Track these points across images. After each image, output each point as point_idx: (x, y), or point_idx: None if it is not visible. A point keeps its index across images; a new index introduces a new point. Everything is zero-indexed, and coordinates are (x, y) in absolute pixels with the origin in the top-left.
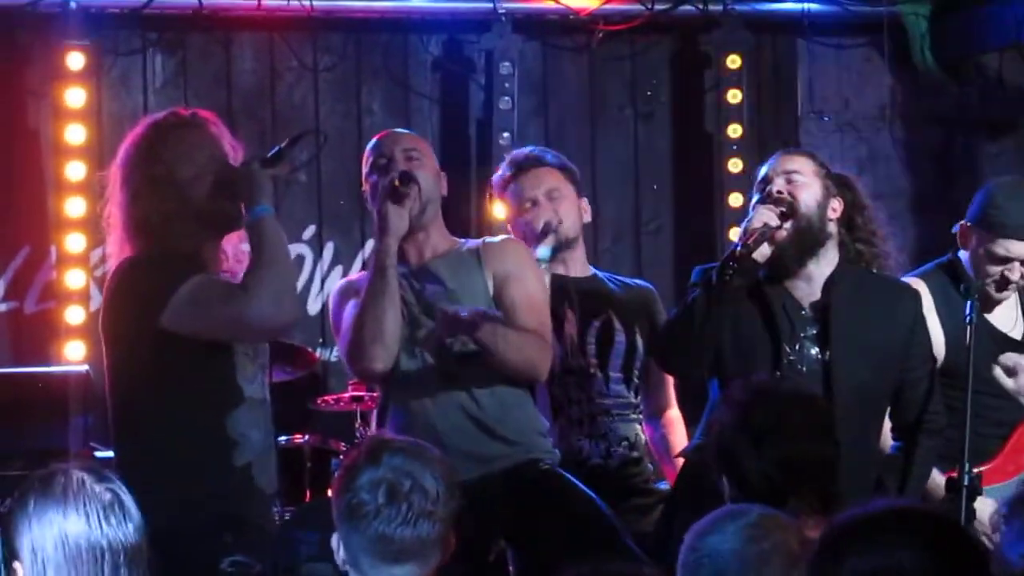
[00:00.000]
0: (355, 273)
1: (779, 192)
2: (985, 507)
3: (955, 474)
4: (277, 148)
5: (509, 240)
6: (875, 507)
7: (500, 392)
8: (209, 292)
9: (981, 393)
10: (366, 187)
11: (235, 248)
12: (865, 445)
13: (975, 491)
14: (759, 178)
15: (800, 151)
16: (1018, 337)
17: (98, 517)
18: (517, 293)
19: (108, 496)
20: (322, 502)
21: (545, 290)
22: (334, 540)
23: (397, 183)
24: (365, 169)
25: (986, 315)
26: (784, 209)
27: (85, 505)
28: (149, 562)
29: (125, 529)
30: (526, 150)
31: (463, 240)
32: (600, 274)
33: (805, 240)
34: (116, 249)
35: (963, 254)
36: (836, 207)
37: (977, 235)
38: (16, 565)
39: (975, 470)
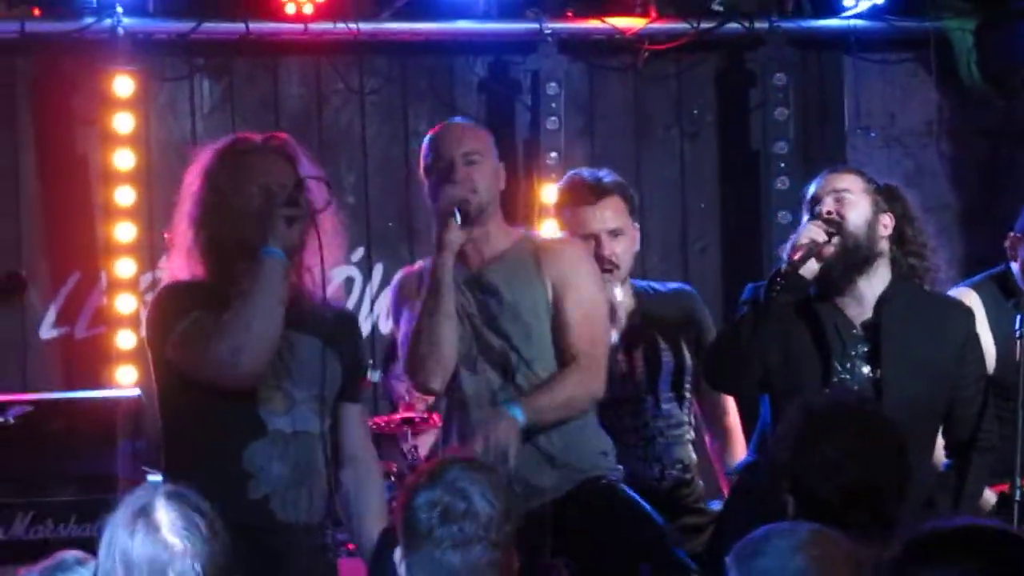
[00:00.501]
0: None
1: (828, 212)
2: None
3: (1006, 488)
4: (289, 192)
5: (568, 244)
6: (946, 524)
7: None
8: (193, 330)
9: None
10: (425, 180)
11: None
12: (917, 463)
13: None
14: (807, 197)
15: (848, 168)
16: None
17: (163, 542)
18: (573, 307)
19: (177, 520)
20: None
21: (603, 297)
22: (396, 555)
23: (458, 211)
24: (423, 162)
25: None
26: (832, 229)
27: (151, 529)
28: None
29: (187, 553)
30: (589, 175)
31: (522, 232)
32: (638, 284)
33: (853, 258)
34: (171, 272)
35: (1015, 266)
36: (887, 223)
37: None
38: None
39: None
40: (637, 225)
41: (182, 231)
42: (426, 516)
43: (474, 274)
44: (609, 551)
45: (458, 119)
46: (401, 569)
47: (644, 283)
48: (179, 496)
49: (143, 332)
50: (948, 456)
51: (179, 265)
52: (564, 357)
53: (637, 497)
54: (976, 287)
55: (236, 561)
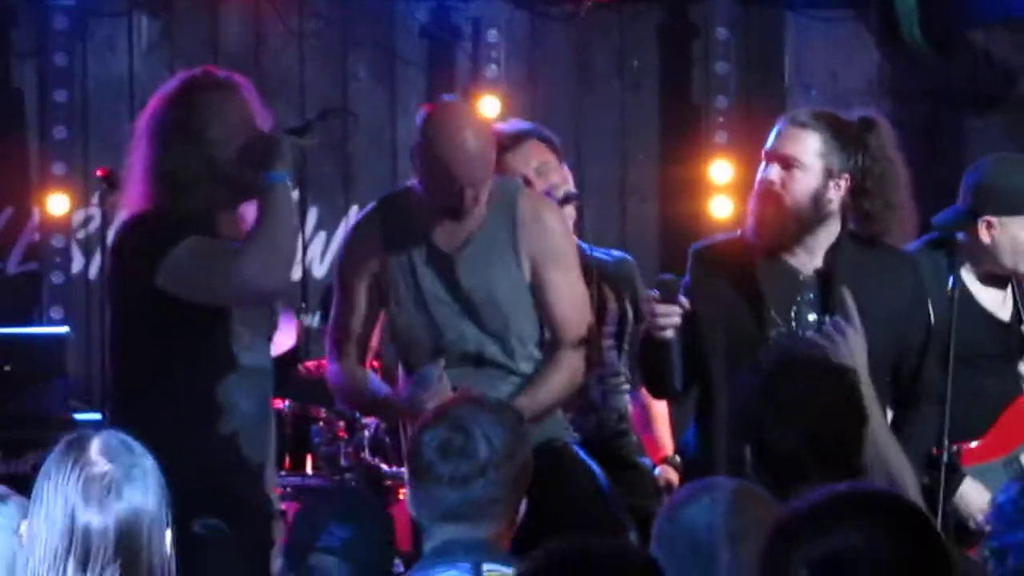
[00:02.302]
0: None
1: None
2: (971, 488)
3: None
4: (307, 120)
5: (548, 213)
6: (823, 492)
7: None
8: (202, 254)
9: (971, 370)
10: (415, 156)
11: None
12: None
13: (954, 468)
14: (767, 143)
15: (806, 122)
16: (1006, 319)
17: (92, 462)
18: (557, 289)
19: (103, 466)
20: (358, 495)
21: (575, 261)
22: (406, 492)
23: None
24: (418, 142)
25: (976, 296)
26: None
27: (73, 476)
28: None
29: (108, 511)
30: (506, 126)
31: (498, 189)
32: (581, 244)
33: (794, 227)
34: (132, 202)
35: (962, 236)
36: (840, 184)
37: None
38: (23, 525)
39: (962, 446)
40: (566, 168)
41: (143, 161)
42: (428, 452)
43: (447, 257)
44: (550, 515)
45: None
46: (409, 506)
47: (586, 246)
48: (116, 435)
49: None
50: (895, 407)
51: (139, 195)
52: (551, 340)
53: (587, 460)
54: (917, 252)
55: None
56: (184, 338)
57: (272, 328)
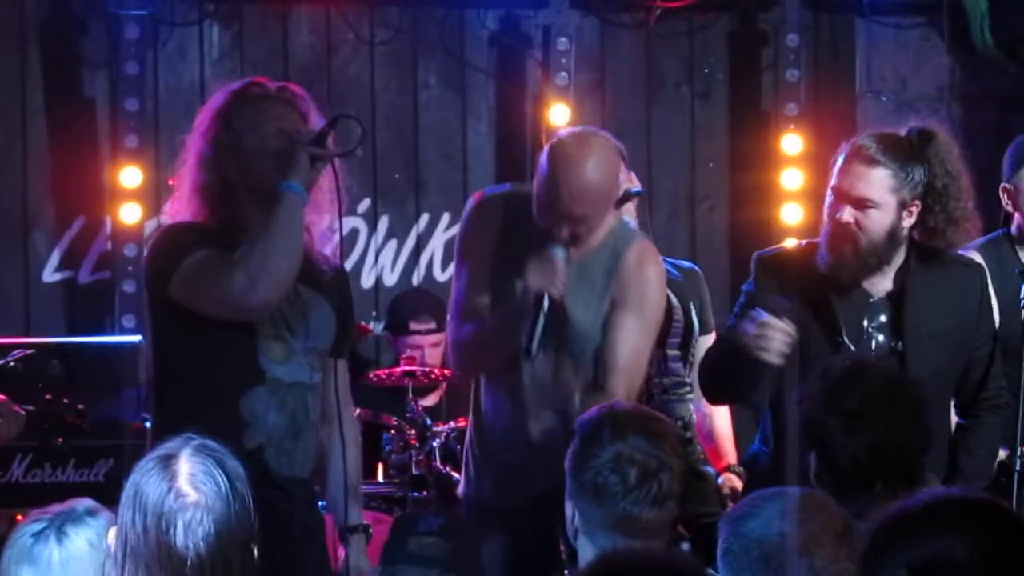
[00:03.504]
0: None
1: (846, 222)
2: None
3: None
4: (320, 128)
5: (652, 266)
6: (924, 497)
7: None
8: (205, 266)
9: None
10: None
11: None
12: (940, 428)
13: None
14: (832, 178)
15: (875, 159)
16: None
17: (177, 490)
18: (627, 335)
19: (197, 471)
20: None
21: (657, 322)
22: (568, 508)
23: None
24: (541, 187)
25: None
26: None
27: (168, 476)
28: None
29: (195, 537)
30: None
31: (612, 227)
32: None
33: (872, 262)
34: (173, 213)
35: (1013, 227)
36: (912, 211)
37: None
38: (112, 531)
39: None
40: (633, 174)
41: (189, 173)
42: (617, 475)
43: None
44: None
45: (592, 141)
46: (574, 521)
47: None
48: (206, 450)
49: (142, 275)
50: (960, 416)
51: (181, 207)
52: (599, 378)
53: None
54: (981, 248)
55: (255, 531)
56: (206, 349)
57: (331, 341)
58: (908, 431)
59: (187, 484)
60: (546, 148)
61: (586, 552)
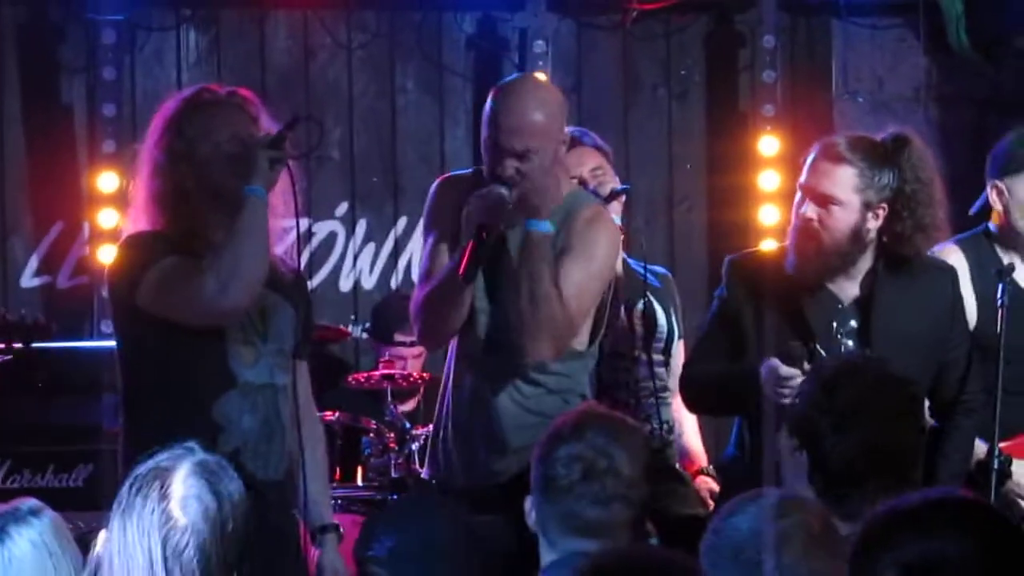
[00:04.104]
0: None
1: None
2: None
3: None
4: (279, 131)
5: (601, 225)
6: (915, 496)
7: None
8: (172, 272)
9: (1012, 364)
10: (485, 143)
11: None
12: None
13: (1005, 474)
14: (802, 176)
15: (842, 156)
16: None
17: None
18: (564, 276)
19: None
20: (410, 502)
21: (604, 277)
22: (527, 503)
23: (482, 231)
24: (485, 129)
25: (1020, 281)
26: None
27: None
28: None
29: (188, 531)
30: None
31: (569, 191)
32: (636, 266)
33: (835, 261)
34: (131, 223)
35: (992, 225)
36: (879, 214)
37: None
38: (100, 535)
39: (1005, 443)
40: (615, 176)
41: (144, 182)
42: (566, 470)
43: (502, 235)
44: None
45: (531, 80)
46: (532, 518)
47: (631, 260)
48: (204, 471)
49: (106, 286)
50: (934, 418)
51: (139, 217)
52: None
53: None
54: (960, 243)
55: (247, 554)
56: (176, 356)
57: (294, 343)
58: (900, 430)
59: (177, 507)
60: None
61: (542, 547)
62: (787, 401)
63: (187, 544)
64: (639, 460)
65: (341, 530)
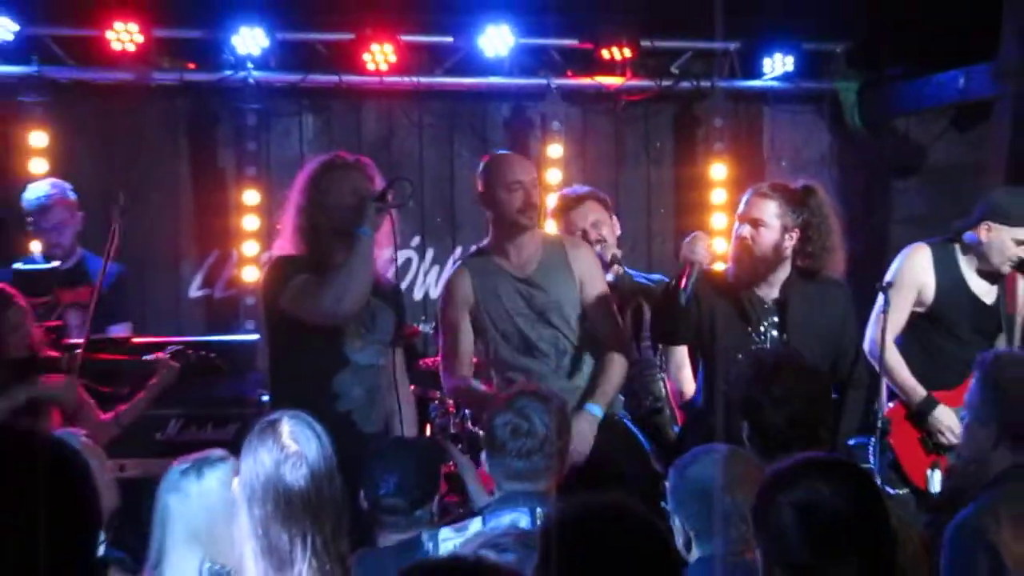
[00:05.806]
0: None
1: (743, 238)
2: (944, 413)
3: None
4: (383, 188)
5: (584, 246)
6: (802, 457)
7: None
8: (305, 286)
9: (954, 338)
10: (484, 191)
11: (380, 257)
12: None
13: (885, 432)
14: (740, 209)
15: (767, 193)
16: (989, 303)
17: (282, 444)
18: (596, 300)
19: (295, 431)
20: (398, 444)
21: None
22: (483, 456)
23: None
24: (487, 179)
25: (969, 283)
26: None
27: (275, 435)
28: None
29: (297, 475)
30: (570, 190)
31: (542, 232)
32: (629, 271)
33: (762, 269)
34: (278, 247)
35: (972, 235)
36: (793, 235)
37: (996, 228)
38: (235, 481)
39: (941, 393)
40: (615, 218)
41: (290, 219)
42: (501, 432)
43: (520, 277)
44: (611, 466)
45: (507, 152)
46: (486, 467)
47: (634, 271)
48: (300, 417)
49: (259, 293)
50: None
51: (285, 244)
52: (601, 341)
53: (633, 429)
54: (930, 243)
55: (339, 480)
56: (309, 345)
57: (391, 335)
58: (817, 409)
59: (289, 439)
60: (480, 168)
61: (496, 493)
62: (696, 258)
63: (299, 464)
64: (551, 422)
65: None
